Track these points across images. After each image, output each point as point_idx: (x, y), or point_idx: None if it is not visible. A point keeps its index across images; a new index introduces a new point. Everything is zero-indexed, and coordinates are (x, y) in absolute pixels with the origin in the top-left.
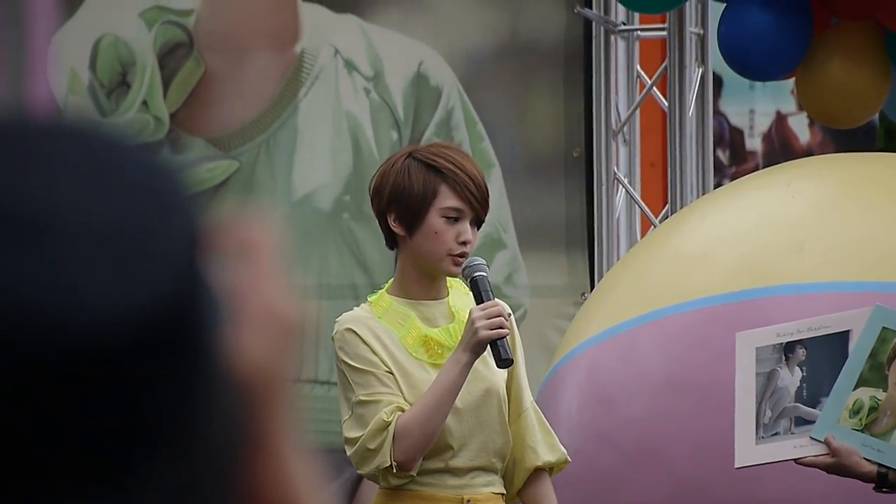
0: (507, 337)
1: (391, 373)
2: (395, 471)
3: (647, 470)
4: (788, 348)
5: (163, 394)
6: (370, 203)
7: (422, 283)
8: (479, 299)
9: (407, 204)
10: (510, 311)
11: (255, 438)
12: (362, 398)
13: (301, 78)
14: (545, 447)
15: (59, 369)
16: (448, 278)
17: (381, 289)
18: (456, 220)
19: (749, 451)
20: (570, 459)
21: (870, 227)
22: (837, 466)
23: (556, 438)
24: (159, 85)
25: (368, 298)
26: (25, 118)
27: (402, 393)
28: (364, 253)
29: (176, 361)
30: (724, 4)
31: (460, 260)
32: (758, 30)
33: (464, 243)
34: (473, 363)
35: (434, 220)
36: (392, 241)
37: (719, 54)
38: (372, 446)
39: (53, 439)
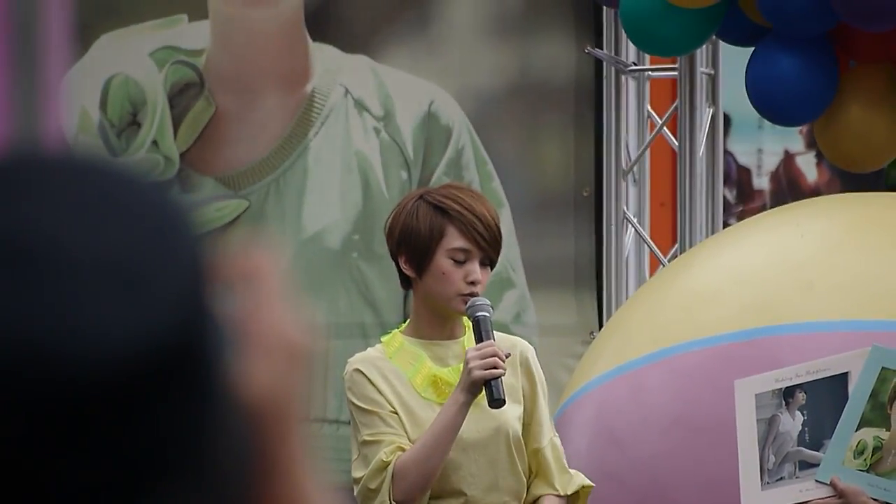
0: (503, 377)
1: (396, 413)
2: None
3: None
4: (788, 393)
5: (171, 424)
6: (384, 244)
7: (434, 323)
8: (478, 339)
9: (415, 245)
10: (532, 350)
11: (267, 465)
12: (367, 438)
13: (311, 118)
14: (558, 483)
15: (66, 403)
16: (464, 319)
17: (396, 329)
18: (464, 261)
19: (755, 497)
20: (589, 484)
21: (878, 265)
22: None
23: (573, 475)
24: (169, 125)
25: (381, 339)
26: (32, 152)
27: (406, 433)
28: (373, 292)
29: (182, 392)
30: (743, 48)
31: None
32: (787, 75)
33: (472, 283)
34: (471, 403)
35: (442, 260)
36: (406, 281)
37: (729, 94)
38: (373, 486)
39: (62, 473)
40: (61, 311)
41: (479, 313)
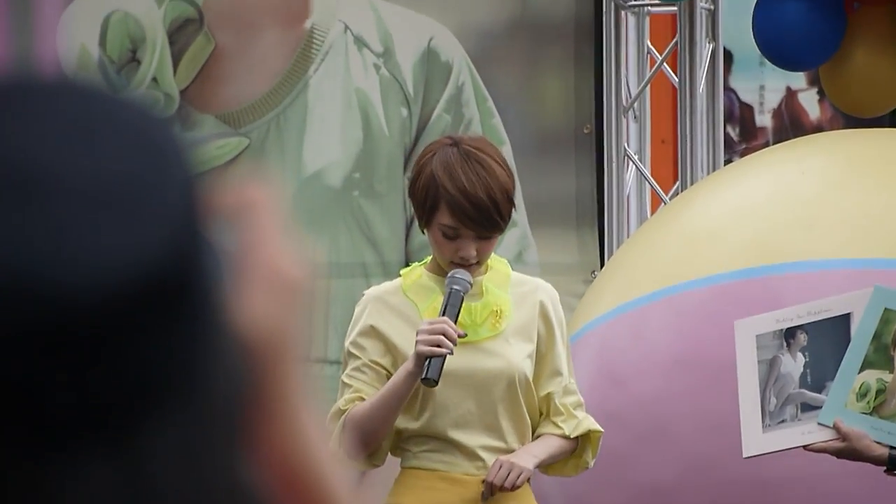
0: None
1: (376, 364)
2: (343, 455)
3: (658, 449)
4: (789, 334)
5: (166, 349)
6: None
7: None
8: (441, 311)
9: (415, 206)
10: (554, 294)
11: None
12: (343, 379)
13: (311, 55)
14: (564, 424)
15: (63, 326)
16: (491, 257)
17: (418, 263)
18: (455, 237)
19: (756, 440)
20: (598, 429)
21: (880, 203)
22: (848, 451)
23: (582, 419)
24: (169, 61)
25: (401, 272)
26: (28, 76)
27: (378, 386)
28: (374, 230)
29: (178, 317)
30: None
31: None
32: (794, 20)
33: (464, 258)
34: (418, 376)
35: (435, 232)
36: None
37: (729, 29)
38: (330, 427)
39: (60, 397)
40: (56, 234)
41: (454, 286)
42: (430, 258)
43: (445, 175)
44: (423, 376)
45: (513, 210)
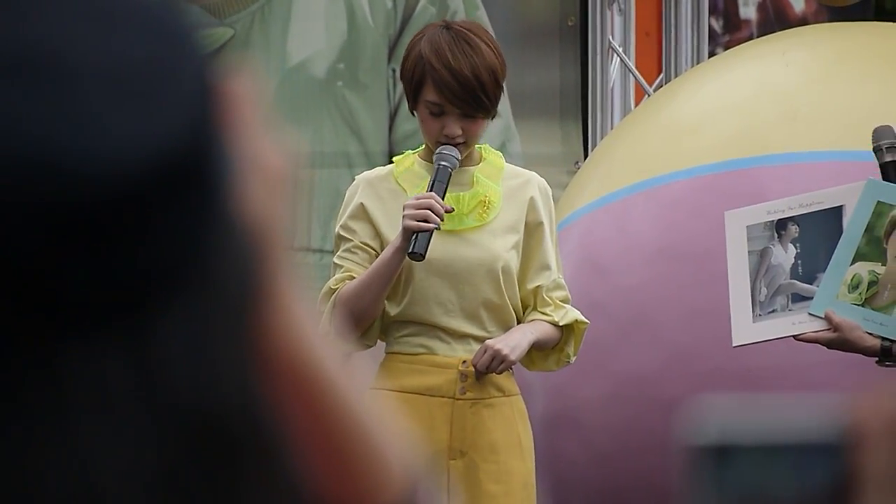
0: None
1: (366, 245)
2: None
3: (640, 338)
4: (780, 225)
5: (180, 236)
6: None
7: None
8: (429, 187)
9: (405, 86)
10: (546, 189)
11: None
12: (335, 260)
13: None
14: (552, 312)
15: (81, 204)
16: (485, 149)
17: (412, 150)
18: (440, 114)
19: (746, 329)
20: (584, 321)
21: (864, 95)
22: (840, 341)
23: (569, 310)
24: None
25: (395, 159)
26: None
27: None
28: (358, 121)
29: (192, 203)
30: None
31: None
32: None
33: (448, 136)
34: (406, 249)
35: (421, 110)
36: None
37: None
38: (322, 308)
39: (77, 279)
40: (74, 114)
41: (441, 163)
42: (423, 146)
43: (432, 53)
44: (410, 250)
45: (501, 94)
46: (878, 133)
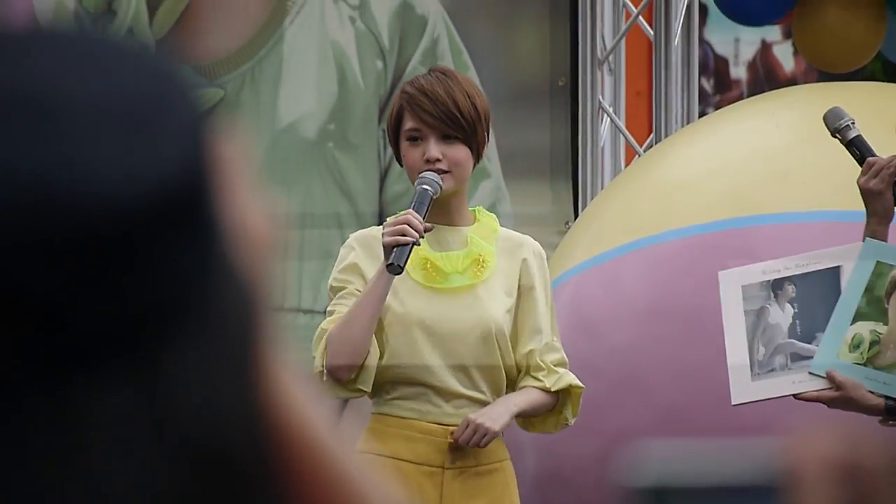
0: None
1: (360, 292)
2: (325, 378)
3: (632, 397)
4: (776, 285)
5: (184, 267)
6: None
7: (433, 209)
8: (410, 206)
9: (389, 135)
10: (541, 252)
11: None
12: (329, 308)
13: (286, 7)
14: (545, 378)
15: (89, 239)
16: (479, 210)
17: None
18: (418, 140)
19: (746, 387)
20: (579, 385)
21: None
22: (843, 400)
23: (563, 374)
24: (145, 12)
25: (388, 220)
26: (29, 21)
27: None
28: (348, 182)
29: (193, 235)
30: None
31: None
32: None
33: (429, 160)
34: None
35: (402, 144)
36: None
37: None
38: (314, 353)
39: (88, 314)
40: (76, 151)
41: (421, 186)
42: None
43: (408, 85)
44: (388, 262)
45: (483, 126)
46: (831, 116)
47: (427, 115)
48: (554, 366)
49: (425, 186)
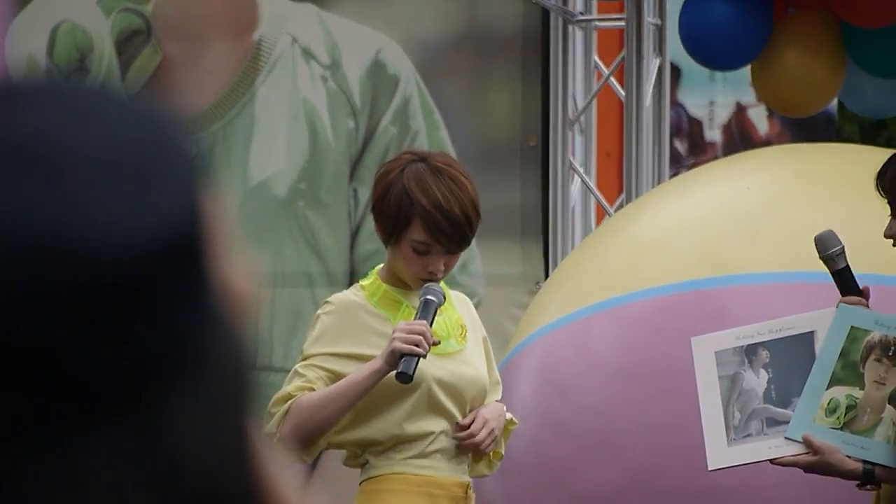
0: (419, 361)
1: (329, 370)
2: (276, 440)
3: (602, 458)
4: (750, 351)
5: (183, 317)
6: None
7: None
8: (416, 315)
9: (383, 222)
10: (468, 300)
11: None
12: (297, 368)
13: (259, 65)
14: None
15: (91, 289)
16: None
17: (373, 271)
18: (425, 252)
19: (721, 453)
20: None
21: (824, 217)
22: (821, 464)
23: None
24: (117, 71)
25: (361, 283)
26: (21, 76)
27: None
28: (319, 240)
29: (191, 284)
30: None
31: None
32: (719, 20)
33: (432, 273)
34: (385, 373)
35: (405, 247)
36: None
37: (678, 45)
38: (273, 410)
39: (90, 359)
40: (77, 201)
41: (428, 296)
42: (377, 269)
43: (419, 190)
44: (399, 371)
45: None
46: (823, 242)
47: (442, 237)
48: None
49: (432, 298)
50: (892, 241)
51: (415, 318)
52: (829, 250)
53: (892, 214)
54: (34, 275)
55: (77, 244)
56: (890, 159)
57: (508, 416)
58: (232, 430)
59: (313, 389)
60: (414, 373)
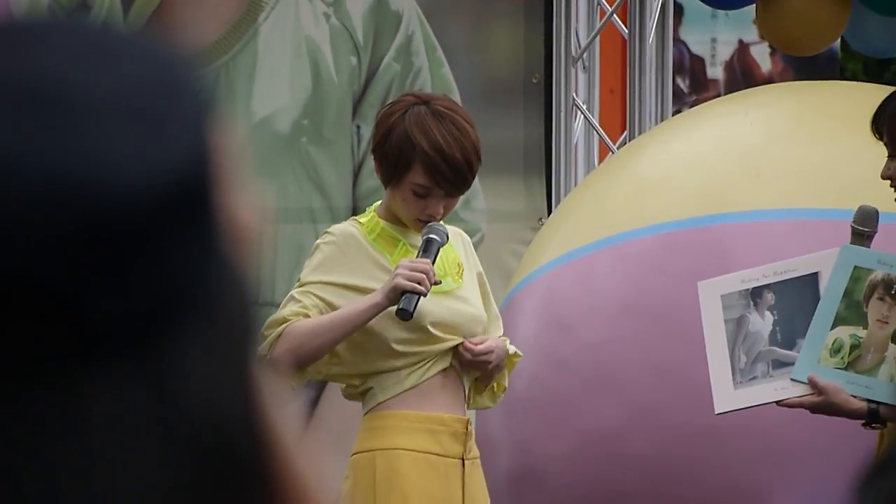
0: (420, 299)
1: (323, 299)
2: (266, 361)
3: (604, 395)
4: (756, 293)
5: (190, 259)
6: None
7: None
8: (419, 254)
9: (384, 164)
10: (466, 237)
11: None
12: (293, 293)
13: (261, 3)
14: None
15: (104, 232)
16: None
17: (370, 208)
18: (425, 195)
19: (728, 396)
20: (518, 354)
21: (825, 154)
22: (825, 405)
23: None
24: (119, 8)
25: (359, 219)
26: (34, 14)
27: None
28: (322, 177)
29: (199, 226)
30: None
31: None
32: None
33: (431, 216)
34: (383, 308)
35: (405, 190)
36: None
37: None
38: (266, 332)
39: (100, 302)
40: (88, 141)
41: (431, 235)
42: (375, 206)
43: (421, 134)
44: (400, 307)
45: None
46: (863, 216)
47: (443, 181)
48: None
49: (434, 237)
50: (888, 182)
51: (417, 256)
52: (862, 226)
53: (889, 155)
54: (45, 216)
55: (88, 186)
56: (885, 100)
57: (512, 349)
58: (237, 374)
59: (308, 316)
60: (415, 310)
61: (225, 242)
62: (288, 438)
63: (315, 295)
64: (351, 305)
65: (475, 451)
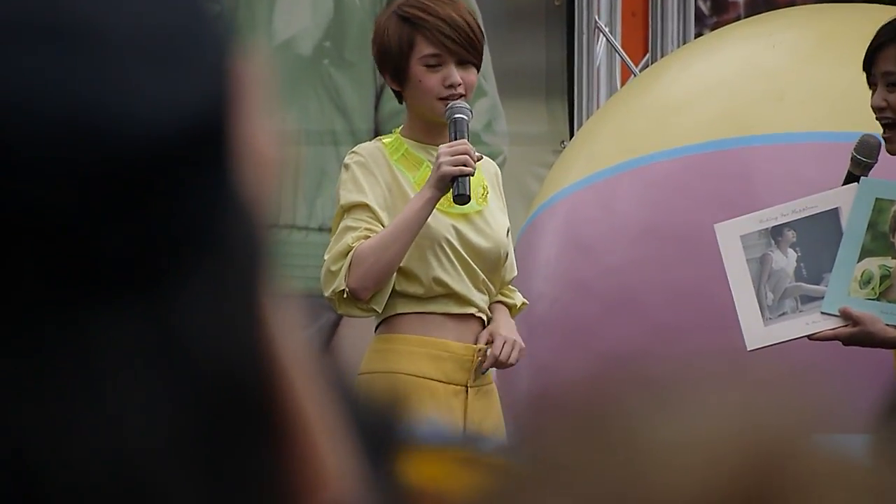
0: (470, 178)
1: (378, 217)
2: (345, 296)
3: (625, 317)
4: (776, 232)
5: (205, 195)
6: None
7: (431, 131)
8: (452, 138)
9: (391, 61)
10: (497, 170)
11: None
12: (348, 223)
13: None
14: (513, 296)
15: (119, 166)
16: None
17: (395, 130)
18: (438, 65)
19: (759, 333)
20: (524, 302)
21: (849, 77)
22: (862, 335)
23: (517, 294)
24: None
25: (383, 139)
26: None
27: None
28: (344, 99)
29: (216, 163)
30: None
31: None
32: None
33: (451, 86)
34: (438, 199)
35: (416, 70)
36: (399, 95)
37: None
38: (333, 268)
39: (112, 238)
40: (106, 82)
41: (458, 115)
42: (399, 129)
43: (415, 10)
44: (457, 193)
45: (483, 44)
46: (865, 145)
47: (449, 41)
48: (511, 285)
49: (460, 115)
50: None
51: (450, 139)
52: (862, 156)
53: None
54: (61, 144)
55: (106, 119)
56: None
57: (519, 300)
58: (247, 318)
59: (369, 237)
60: (470, 191)
61: (242, 182)
62: (301, 374)
63: (366, 215)
64: (406, 209)
65: (486, 379)
